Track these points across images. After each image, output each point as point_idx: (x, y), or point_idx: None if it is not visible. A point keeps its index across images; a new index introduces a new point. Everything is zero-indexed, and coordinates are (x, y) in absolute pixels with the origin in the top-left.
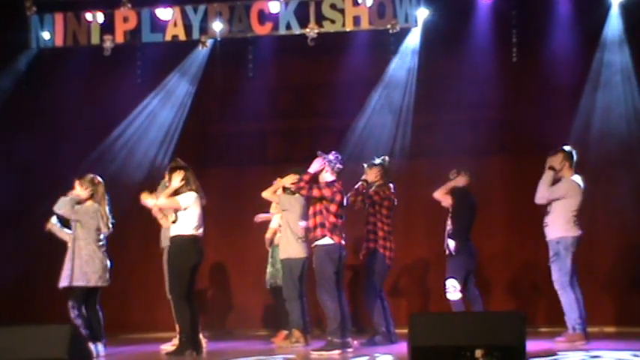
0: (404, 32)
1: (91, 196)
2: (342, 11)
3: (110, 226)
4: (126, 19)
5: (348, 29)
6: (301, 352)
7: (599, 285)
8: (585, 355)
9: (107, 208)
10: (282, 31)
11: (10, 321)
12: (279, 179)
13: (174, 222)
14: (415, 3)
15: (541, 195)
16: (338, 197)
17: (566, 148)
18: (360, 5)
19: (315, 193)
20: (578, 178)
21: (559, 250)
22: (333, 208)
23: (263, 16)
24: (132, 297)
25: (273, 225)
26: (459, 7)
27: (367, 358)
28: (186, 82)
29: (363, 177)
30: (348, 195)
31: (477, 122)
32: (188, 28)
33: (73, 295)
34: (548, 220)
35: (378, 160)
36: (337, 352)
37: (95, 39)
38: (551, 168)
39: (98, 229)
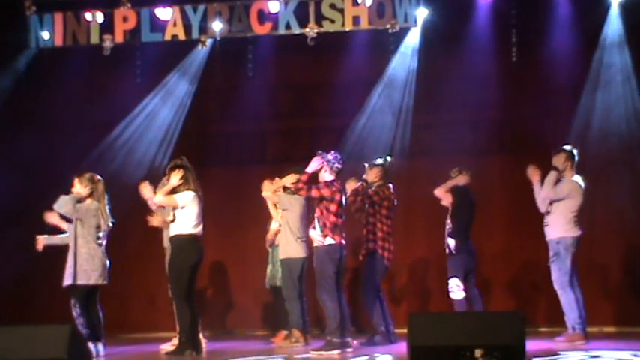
0: (403, 32)
1: (91, 194)
2: (341, 11)
3: (110, 224)
4: (125, 18)
5: (347, 29)
6: (301, 351)
7: (598, 285)
8: (585, 355)
9: (107, 206)
10: (282, 31)
11: (10, 321)
12: (277, 179)
13: (172, 221)
14: (415, 3)
15: (546, 194)
16: (337, 197)
17: (569, 148)
18: (359, 5)
19: (314, 193)
20: (578, 179)
21: (559, 250)
22: (333, 207)
23: (262, 16)
24: (132, 297)
25: (273, 227)
26: (458, 7)
27: (367, 357)
28: (186, 81)
29: (364, 177)
30: (348, 195)
31: (476, 122)
32: (188, 27)
33: (76, 293)
34: (549, 220)
35: (379, 161)
36: (337, 351)
37: (95, 39)
38: (555, 168)
39: (98, 227)
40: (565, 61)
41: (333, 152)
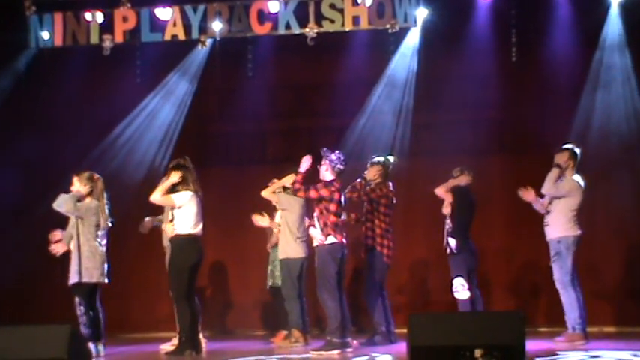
0: (403, 32)
1: (90, 193)
2: (341, 11)
3: (109, 223)
4: (125, 18)
5: (347, 29)
6: (300, 351)
7: (598, 285)
8: (585, 355)
9: (106, 205)
10: (282, 31)
11: (10, 321)
12: (276, 180)
13: (171, 221)
14: (414, 3)
15: (547, 190)
16: (337, 196)
17: (573, 147)
18: (359, 5)
19: (313, 194)
20: (578, 178)
21: (560, 250)
22: (332, 207)
23: (262, 16)
24: (132, 296)
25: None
26: (458, 7)
27: (366, 357)
28: (186, 81)
29: (364, 174)
30: (346, 191)
31: (476, 122)
32: (187, 27)
33: (81, 291)
34: (549, 219)
35: (380, 159)
36: (337, 351)
37: (94, 39)
38: (558, 165)
39: (97, 226)
40: (565, 61)
41: (337, 152)
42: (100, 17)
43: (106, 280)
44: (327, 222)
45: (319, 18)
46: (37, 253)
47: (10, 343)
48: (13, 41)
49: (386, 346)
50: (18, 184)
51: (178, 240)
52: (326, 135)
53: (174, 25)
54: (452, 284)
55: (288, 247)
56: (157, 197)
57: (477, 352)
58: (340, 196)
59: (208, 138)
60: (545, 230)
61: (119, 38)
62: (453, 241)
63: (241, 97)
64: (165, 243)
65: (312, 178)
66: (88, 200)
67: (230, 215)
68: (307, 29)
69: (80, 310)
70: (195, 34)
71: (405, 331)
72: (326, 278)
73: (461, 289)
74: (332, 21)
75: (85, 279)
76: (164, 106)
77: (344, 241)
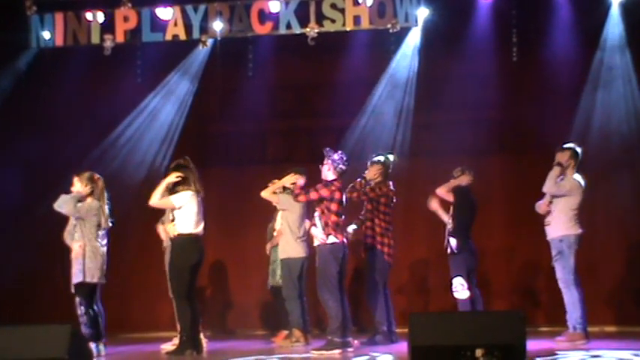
0: (404, 32)
1: (91, 193)
2: (342, 11)
3: (110, 223)
4: (126, 18)
5: (348, 29)
6: (301, 351)
7: (599, 284)
8: (585, 355)
9: (107, 205)
10: (283, 31)
11: (10, 321)
12: (275, 181)
13: (172, 221)
14: (415, 2)
15: (548, 189)
16: (337, 195)
17: (575, 146)
18: (360, 5)
19: (313, 195)
20: (579, 177)
21: (562, 249)
22: (333, 206)
23: (263, 16)
24: (132, 296)
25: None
26: (459, 7)
27: (367, 357)
28: (187, 81)
29: (364, 174)
30: (346, 191)
31: (477, 122)
32: (188, 27)
33: (82, 291)
34: (550, 218)
35: (380, 158)
36: (337, 351)
37: (95, 38)
38: (559, 164)
39: (98, 226)
40: (566, 61)
41: (339, 152)
42: (100, 17)
43: (104, 281)
44: (329, 221)
45: (320, 18)
46: (37, 253)
47: (11, 343)
48: (14, 41)
49: (387, 346)
50: (18, 184)
51: (179, 239)
52: (326, 135)
53: (175, 24)
54: (451, 284)
55: (288, 247)
56: (154, 201)
57: (478, 352)
58: (341, 196)
59: (209, 138)
60: (547, 230)
61: (120, 38)
62: (453, 241)
63: (242, 96)
64: (166, 243)
65: (314, 178)
66: (88, 200)
67: (230, 215)
68: (308, 29)
69: (80, 310)
70: (196, 34)
71: (405, 330)
72: (327, 278)
73: (460, 289)
74: (333, 21)
75: (87, 279)
76: (165, 106)
77: (345, 241)
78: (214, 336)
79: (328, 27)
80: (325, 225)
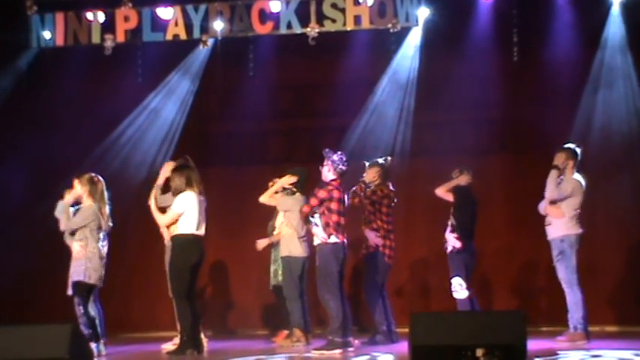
0: (405, 31)
1: (91, 195)
2: (342, 10)
3: (110, 224)
4: (127, 18)
5: (348, 28)
6: (302, 351)
7: (600, 284)
8: (586, 355)
9: (107, 207)
10: (283, 31)
11: (10, 321)
12: (273, 181)
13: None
14: (416, 2)
15: (551, 195)
16: (336, 194)
17: (571, 145)
18: (360, 4)
19: (313, 202)
20: (579, 176)
21: (564, 249)
22: (333, 206)
23: (264, 16)
24: (132, 296)
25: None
26: (459, 7)
27: (368, 357)
28: (187, 81)
29: (362, 177)
30: (348, 197)
31: (477, 121)
32: (189, 27)
33: (80, 290)
34: (551, 218)
35: (378, 160)
36: (338, 351)
37: (96, 38)
38: (555, 167)
39: (99, 228)
40: (566, 61)
41: (339, 153)
42: (101, 17)
43: (101, 284)
44: (330, 221)
45: (321, 17)
46: (37, 253)
47: (12, 343)
48: (15, 41)
49: (387, 346)
50: (19, 183)
51: (180, 240)
52: (327, 135)
53: (176, 24)
54: (451, 284)
55: (291, 246)
56: (164, 221)
57: (479, 352)
58: (340, 194)
59: (209, 137)
60: (547, 230)
61: (120, 38)
62: (454, 240)
63: (242, 96)
64: (167, 243)
65: (315, 178)
66: (86, 204)
67: (231, 215)
68: (309, 29)
69: (80, 310)
70: (196, 34)
71: (406, 330)
72: (328, 277)
73: (459, 289)
74: (333, 20)
75: (85, 279)
76: (165, 106)
77: (345, 241)
78: (215, 336)
79: (329, 27)
80: (326, 225)
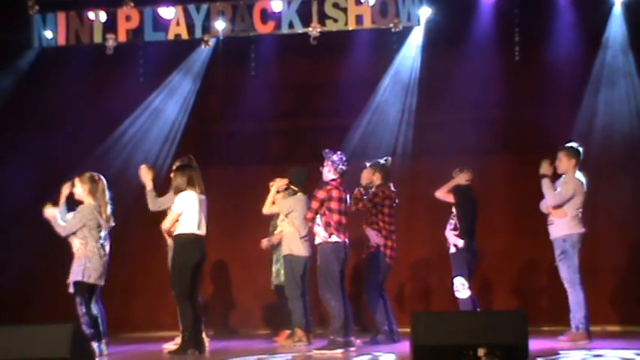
0: (406, 31)
1: (91, 194)
2: (344, 10)
3: (112, 223)
4: (128, 18)
5: (350, 28)
6: (303, 350)
7: (602, 284)
8: (588, 354)
9: (108, 206)
10: (285, 30)
11: (10, 321)
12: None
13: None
14: (418, 2)
15: (553, 202)
16: (335, 194)
17: (573, 145)
18: (362, 4)
19: (314, 205)
20: (580, 175)
21: (566, 248)
22: (334, 205)
23: (265, 15)
24: (134, 296)
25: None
26: (461, 6)
27: (369, 357)
28: (189, 81)
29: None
30: (350, 204)
31: (479, 121)
32: (191, 27)
33: (81, 290)
34: (553, 217)
35: (380, 161)
36: (340, 350)
37: (97, 38)
38: (543, 176)
39: (99, 227)
40: (568, 61)
41: (339, 153)
42: (103, 16)
43: (102, 283)
44: (331, 221)
45: (322, 17)
46: (38, 253)
47: (13, 343)
48: (16, 40)
49: (389, 346)
50: (20, 183)
51: (181, 239)
52: (328, 134)
53: (178, 24)
54: (452, 284)
55: (292, 245)
56: (167, 226)
57: (480, 352)
58: (340, 193)
59: (211, 137)
60: (550, 229)
61: (122, 37)
62: (455, 238)
63: (244, 96)
64: (169, 243)
65: (316, 179)
66: (86, 204)
67: (232, 214)
68: (310, 28)
69: (81, 310)
70: (198, 34)
71: (407, 330)
72: (329, 277)
73: (461, 289)
74: (335, 20)
75: (85, 279)
76: (167, 106)
77: (346, 240)
78: (217, 335)
79: (330, 26)
80: (327, 225)
